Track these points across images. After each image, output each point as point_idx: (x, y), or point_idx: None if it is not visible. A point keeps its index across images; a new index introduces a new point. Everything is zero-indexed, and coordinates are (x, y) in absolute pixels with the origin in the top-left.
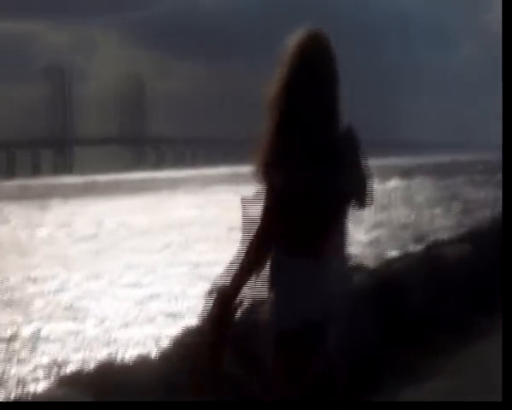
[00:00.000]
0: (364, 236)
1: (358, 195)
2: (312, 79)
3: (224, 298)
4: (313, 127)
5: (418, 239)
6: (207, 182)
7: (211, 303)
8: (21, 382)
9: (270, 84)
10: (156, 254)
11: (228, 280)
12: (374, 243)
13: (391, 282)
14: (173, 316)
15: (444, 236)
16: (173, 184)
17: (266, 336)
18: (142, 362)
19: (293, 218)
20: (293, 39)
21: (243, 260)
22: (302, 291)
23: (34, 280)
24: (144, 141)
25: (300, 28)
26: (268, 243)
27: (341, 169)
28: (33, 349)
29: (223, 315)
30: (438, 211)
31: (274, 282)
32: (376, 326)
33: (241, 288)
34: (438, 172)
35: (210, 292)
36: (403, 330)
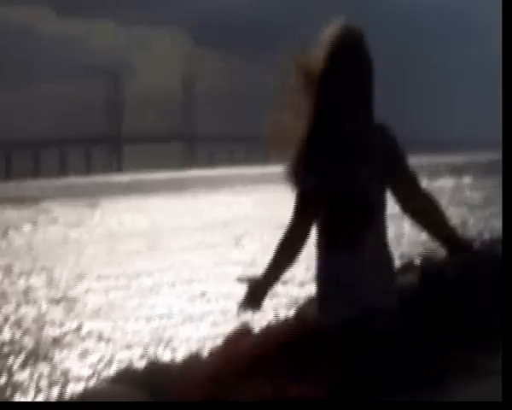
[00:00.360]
0: (415, 235)
1: (404, 196)
2: (346, 75)
3: (254, 286)
4: (346, 125)
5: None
6: (259, 180)
7: (244, 290)
8: (71, 380)
9: (295, 81)
10: (205, 252)
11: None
12: (425, 241)
13: (441, 280)
14: (222, 314)
15: (496, 236)
16: (223, 183)
17: (307, 334)
18: (192, 361)
19: (328, 215)
20: (325, 34)
21: (275, 256)
22: (341, 288)
23: (83, 278)
24: (195, 139)
25: (332, 23)
26: (299, 240)
27: (375, 166)
28: (84, 347)
29: (252, 300)
30: (489, 211)
31: (316, 279)
32: (429, 325)
33: (271, 281)
34: (490, 170)
35: (241, 280)
36: (456, 329)
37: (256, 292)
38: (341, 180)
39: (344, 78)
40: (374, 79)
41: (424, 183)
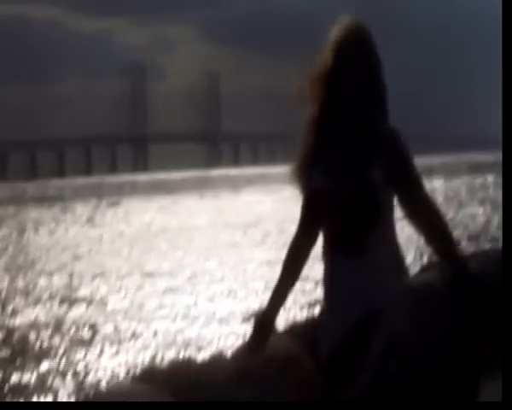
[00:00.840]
0: None
1: (407, 202)
2: (351, 74)
3: (259, 320)
4: (355, 125)
5: (493, 238)
6: (283, 179)
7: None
8: (92, 379)
9: (306, 78)
10: (227, 251)
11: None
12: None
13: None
14: (245, 313)
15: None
16: (247, 182)
17: (316, 341)
18: (217, 361)
19: (333, 217)
20: (331, 34)
21: (286, 261)
22: (347, 291)
23: (103, 277)
24: (220, 138)
25: (338, 22)
26: (308, 242)
27: (382, 168)
28: (105, 347)
29: (256, 337)
30: None
31: (323, 283)
32: (453, 325)
33: (277, 304)
34: None
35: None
36: (480, 328)
37: (263, 326)
38: (348, 182)
39: (349, 77)
40: (382, 77)
41: (442, 181)
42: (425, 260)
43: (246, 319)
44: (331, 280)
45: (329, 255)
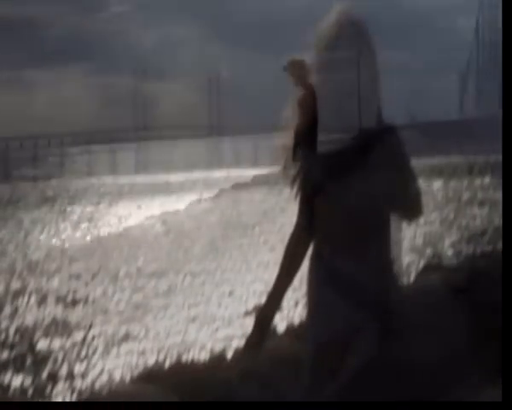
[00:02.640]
0: (444, 234)
1: (403, 207)
2: (350, 70)
3: (257, 318)
4: (349, 123)
5: (497, 239)
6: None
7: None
8: (94, 380)
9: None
10: (228, 252)
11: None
12: (455, 243)
13: (475, 280)
14: (248, 316)
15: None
16: (248, 181)
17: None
18: (218, 362)
19: (328, 221)
20: (323, 23)
21: (283, 262)
22: (342, 293)
23: (103, 279)
24: (222, 138)
25: (331, 11)
26: (305, 242)
27: (380, 171)
28: (108, 348)
29: (254, 335)
30: None
31: (312, 287)
32: (459, 325)
33: (275, 302)
34: None
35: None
36: (487, 328)
37: (261, 324)
38: (348, 181)
39: (343, 70)
40: (377, 71)
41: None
42: (423, 261)
43: (245, 318)
44: (325, 280)
45: (325, 255)
